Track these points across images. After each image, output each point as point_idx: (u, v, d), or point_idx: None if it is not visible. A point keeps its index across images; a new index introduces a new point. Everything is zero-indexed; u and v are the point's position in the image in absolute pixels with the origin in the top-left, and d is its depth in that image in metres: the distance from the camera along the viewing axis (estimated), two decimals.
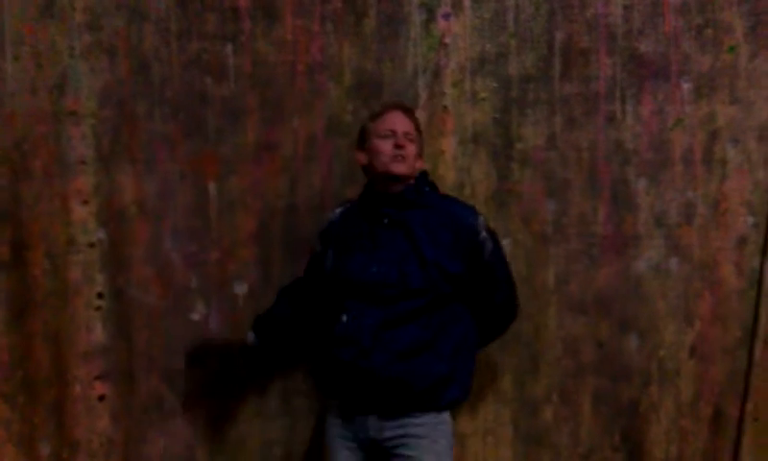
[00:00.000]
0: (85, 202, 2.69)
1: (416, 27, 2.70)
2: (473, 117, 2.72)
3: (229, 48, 2.68)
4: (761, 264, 2.73)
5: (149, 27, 2.66)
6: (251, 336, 2.51)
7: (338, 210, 2.43)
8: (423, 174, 2.37)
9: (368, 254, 2.26)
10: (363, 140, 2.35)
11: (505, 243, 2.69)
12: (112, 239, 2.70)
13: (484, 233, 2.29)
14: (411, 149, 2.30)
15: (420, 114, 2.67)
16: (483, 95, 2.72)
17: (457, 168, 2.72)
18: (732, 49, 2.71)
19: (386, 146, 2.28)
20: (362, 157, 2.35)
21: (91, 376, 2.71)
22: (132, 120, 2.68)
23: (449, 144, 2.71)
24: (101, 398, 2.71)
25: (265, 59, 2.69)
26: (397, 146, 2.27)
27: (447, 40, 2.71)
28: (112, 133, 2.68)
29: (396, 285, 2.20)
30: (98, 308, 2.71)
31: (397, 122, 2.31)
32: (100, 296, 2.70)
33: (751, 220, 2.74)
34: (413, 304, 2.20)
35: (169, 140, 2.69)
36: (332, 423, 2.31)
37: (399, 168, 2.27)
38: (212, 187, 2.70)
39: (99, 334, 2.71)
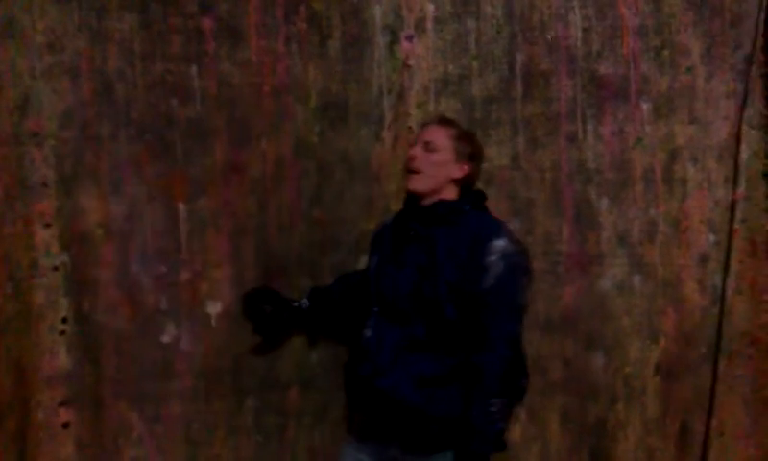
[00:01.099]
0: (48, 224, 2.66)
1: (380, 49, 2.73)
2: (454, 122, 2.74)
3: (194, 69, 2.69)
4: (723, 281, 2.77)
5: (112, 48, 2.66)
6: (305, 302, 2.51)
7: (387, 220, 2.43)
8: (467, 189, 2.26)
9: (391, 265, 2.21)
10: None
11: None
12: (76, 262, 2.67)
13: (494, 257, 2.07)
14: (428, 159, 2.19)
15: (386, 135, 2.69)
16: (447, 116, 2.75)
17: None
18: (689, 70, 2.77)
19: (408, 158, 2.25)
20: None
21: (55, 403, 2.66)
22: (97, 141, 2.67)
23: None
24: (65, 425, 2.66)
25: (230, 80, 2.71)
26: (411, 159, 2.21)
27: (411, 62, 2.74)
28: (75, 155, 2.66)
29: (410, 300, 2.11)
30: (62, 333, 2.67)
31: (427, 133, 2.25)
32: (64, 320, 2.67)
33: (712, 238, 2.79)
34: (430, 325, 2.08)
35: (135, 162, 2.68)
36: (348, 441, 2.24)
37: (412, 185, 2.20)
38: (182, 208, 2.69)
39: (63, 359, 2.67)
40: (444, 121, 2.32)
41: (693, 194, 2.78)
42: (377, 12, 2.71)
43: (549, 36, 2.76)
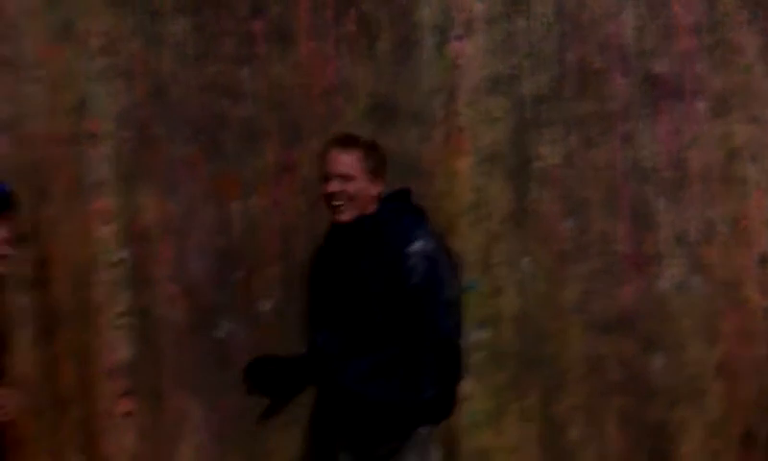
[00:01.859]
0: (107, 222, 2.73)
1: (429, 49, 2.74)
2: (489, 137, 2.73)
3: (246, 71, 2.73)
4: None
5: (166, 51, 2.71)
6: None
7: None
8: (387, 199, 2.22)
9: (325, 278, 2.24)
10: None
11: (524, 262, 2.69)
12: (136, 258, 2.73)
13: (411, 261, 2.10)
14: (346, 192, 2.14)
15: (437, 134, 2.69)
16: (497, 115, 2.73)
17: (473, 187, 2.73)
18: (746, 68, 2.70)
19: (325, 191, 2.15)
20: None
21: (117, 393, 2.73)
22: (152, 142, 2.73)
23: (465, 164, 2.73)
24: (127, 414, 2.74)
25: (281, 81, 2.74)
26: (332, 195, 2.14)
27: (460, 62, 2.73)
28: (132, 155, 2.72)
29: (343, 312, 2.16)
30: (122, 327, 2.74)
31: (335, 164, 2.15)
32: (124, 314, 2.74)
33: None
34: (362, 332, 2.13)
35: (189, 162, 2.73)
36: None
37: (340, 218, 2.16)
38: (234, 207, 2.73)
39: (124, 352, 2.74)
40: (346, 144, 2.19)
41: (753, 194, 2.70)
42: (426, 13, 2.72)
43: (601, 35, 2.71)
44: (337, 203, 2.15)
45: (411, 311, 2.11)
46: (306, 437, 2.29)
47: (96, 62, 2.70)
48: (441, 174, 2.73)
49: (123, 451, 2.73)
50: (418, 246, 2.12)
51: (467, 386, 2.47)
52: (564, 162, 2.73)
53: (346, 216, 2.16)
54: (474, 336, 2.65)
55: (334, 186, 2.15)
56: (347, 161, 2.16)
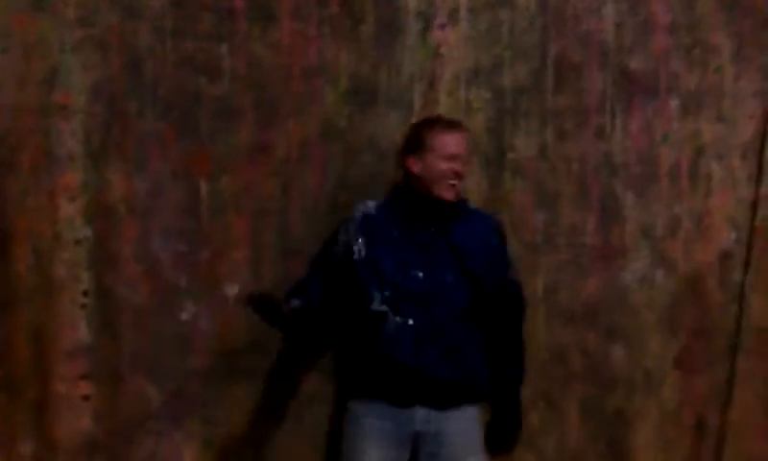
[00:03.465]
0: (73, 198, 2.64)
1: (412, 35, 2.72)
2: (467, 126, 2.75)
3: (224, 49, 2.67)
4: (743, 278, 2.80)
5: (143, 25, 2.63)
6: (295, 301, 2.37)
7: (371, 204, 2.48)
8: None
9: (409, 257, 2.36)
10: (419, 148, 2.40)
11: None
12: (99, 237, 2.65)
13: (507, 245, 2.54)
14: (464, 173, 2.44)
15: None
16: (477, 105, 2.75)
17: None
18: (718, 69, 2.79)
19: (447, 170, 2.37)
20: (416, 166, 2.40)
21: (75, 375, 2.65)
22: (124, 117, 2.65)
23: None
24: (85, 397, 2.66)
25: (260, 60, 2.69)
26: (456, 173, 2.38)
27: (442, 50, 2.73)
28: (103, 130, 2.64)
29: (440, 293, 2.33)
30: (83, 306, 2.66)
31: (461, 146, 2.41)
32: (85, 294, 2.66)
33: (734, 235, 2.81)
34: (453, 311, 2.34)
35: (161, 139, 2.66)
36: (367, 417, 2.36)
37: (451, 195, 2.39)
38: (204, 187, 2.68)
39: (84, 332, 2.66)
40: (463, 128, 2.48)
41: (717, 191, 2.80)
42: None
43: (581, 30, 2.76)
44: (455, 182, 2.38)
45: (511, 283, 2.50)
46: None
47: (71, 33, 2.59)
48: None
49: (79, 435, 2.65)
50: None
51: None
52: (539, 155, 2.77)
53: (452, 195, 2.39)
54: None
55: (461, 168, 2.39)
56: (465, 145, 2.44)
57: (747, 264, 2.80)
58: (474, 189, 2.77)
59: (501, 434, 2.51)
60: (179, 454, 2.72)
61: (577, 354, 2.79)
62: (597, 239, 2.79)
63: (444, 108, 2.73)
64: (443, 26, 2.73)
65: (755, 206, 2.81)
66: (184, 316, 2.69)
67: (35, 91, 2.60)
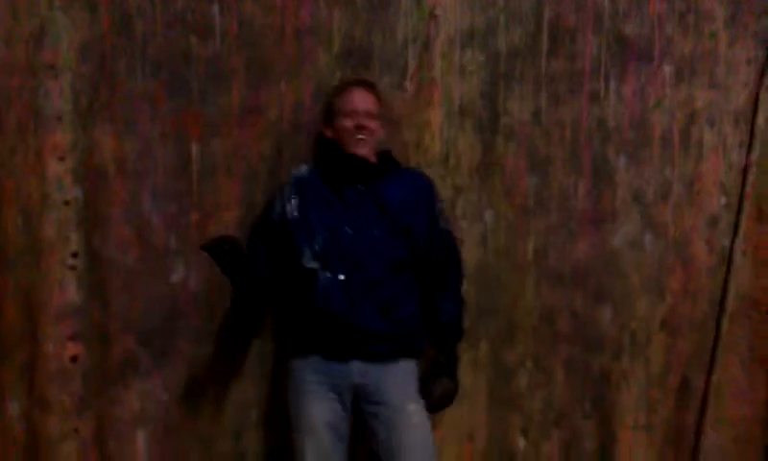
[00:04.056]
0: (62, 158, 2.61)
1: None
2: (461, 90, 2.73)
3: (216, 8, 2.63)
4: (731, 243, 2.83)
5: None
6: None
7: (304, 168, 2.52)
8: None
9: (339, 215, 2.39)
10: (329, 115, 2.48)
11: (487, 215, 2.73)
12: (89, 197, 2.63)
13: (441, 202, 2.55)
14: (372, 127, 2.43)
15: (409, 85, 2.67)
16: (471, 68, 2.73)
17: (443, 140, 2.73)
18: (712, 35, 2.78)
19: (351, 126, 2.41)
20: (328, 132, 2.48)
21: (64, 336, 2.65)
22: (113, 77, 2.61)
23: (436, 116, 2.73)
24: (73, 358, 2.66)
25: (252, 20, 2.65)
26: (358, 127, 2.40)
27: (438, 12, 2.70)
28: (92, 90, 2.60)
29: (371, 248, 2.36)
30: (72, 268, 2.65)
31: (364, 101, 2.44)
32: (74, 255, 2.64)
33: (723, 200, 2.84)
34: (385, 265, 2.37)
35: (151, 99, 2.63)
36: (305, 372, 2.40)
37: (361, 150, 2.42)
38: (195, 149, 2.66)
39: (73, 294, 2.65)
40: (369, 85, 2.51)
41: (708, 157, 2.81)
42: None
43: None
44: (361, 136, 2.40)
45: (440, 239, 2.49)
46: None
47: None
48: (411, 125, 2.73)
49: (68, 396, 2.66)
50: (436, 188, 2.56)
51: None
52: (532, 119, 2.76)
53: (364, 150, 2.41)
54: None
55: (364, 121, 2.40)
56: (371, 100, 2.45)
57: (736, 229, 2.82)
58: (467, 153, 2.76)
59: (435, 387, 2.48)
60: (167, 415, 2.72)
61: (565, 316, 2.81)
62: (588, 203, 2.79)
63: (437, 70, 2.71)
64: None
65: (745, 171, 2.82)
66: (174, 278, 2.67)
67: (22, 50, 2.56)
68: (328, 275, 2.37)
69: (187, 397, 2.73)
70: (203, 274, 2.69)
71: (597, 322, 2.84)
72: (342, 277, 2.36)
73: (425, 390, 2.47)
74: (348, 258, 2.37)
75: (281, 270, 2.47)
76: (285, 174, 2.67)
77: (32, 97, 2.58)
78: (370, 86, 2.50)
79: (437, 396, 2.46)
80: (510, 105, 2.74)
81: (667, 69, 2.78)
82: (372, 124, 2.44)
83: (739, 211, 2.82)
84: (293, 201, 2.45)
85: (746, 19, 2.79)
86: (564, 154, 2.78)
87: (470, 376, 2.80)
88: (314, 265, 2.38)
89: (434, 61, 2.71)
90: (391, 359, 2.39)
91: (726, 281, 2.83)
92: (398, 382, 2.39)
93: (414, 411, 2.38)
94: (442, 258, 2.51)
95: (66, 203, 2.63)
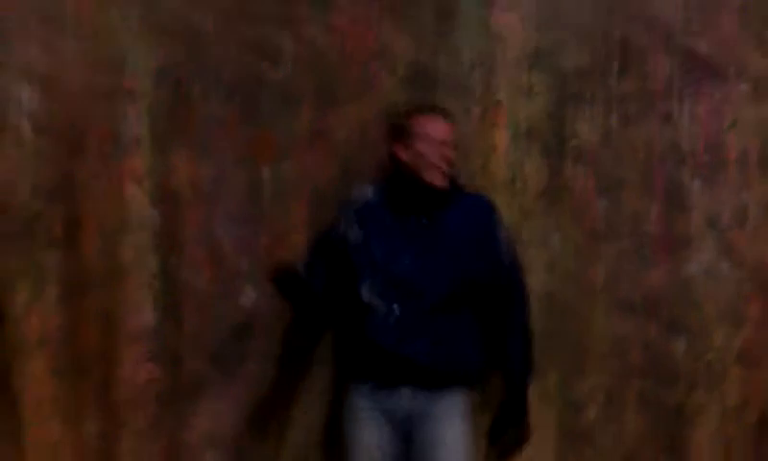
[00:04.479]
0: (139, 182, 2.70)
1: (472, 19, 2.69)
2: (527, 112, 2.71)
3: (286, 34, 2.69)
4: None
5: (208, 10, 2.67)
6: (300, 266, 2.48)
7: (369, 189, 2.50)
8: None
9: (399, 244, 2.38)
10: (405, 136, 2.41)
11: (555, 239, 2.69)
12: (165, 220, 2.70)
13: (504, 231, 2.48)
14: (453, 157, 2.43)
15: (475, 108, 2.67)
16: (538, 89, 2.71)
17: (509, 163, 2.72)
18: None
19: (437, 156, 2.38)
20: (404, 154, 2.41)
21: (140, 358, 2.71)
22: (188, 102, 2.70)
23: (502, 138, 2.71)
24: (149, 380, 2.72)
25: (320, 45, 2.70)
26: (444, 158, 2.38)
27: (503, 34, 2.70)
28: (168, 114, 2.69)
29: (428, 280, 2.34)
30: (149, 289, 2.72)
31: (448, 131, 2.42)
32: (150, 277, 2.71)
33: None
34: (441, 299, 2.34)
35: (224, 123, 2.70)
36: (358, 398, 2.42)
37: (441, 181, 2.39)
38: (266, 172, 2.71)
39: (149, 316, 2.72)
40: (450, 115, 2.48)
41: None
42: None
43: (647, 12, 2.69)
44: (443, 167, 2.37)
45: (506, 272, 2.45)
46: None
47: (138, 19, 2.65)
48: (477, 148, 2.72)
49: (143, 417, 2.71)
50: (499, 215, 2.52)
51: None
52: (602, 140, 2.72)
53: (444, 181, 2.40)
54: None
55: (447, 150, 2.39)
56: (452, 129, 2.44)
57: None
58: (534, 176, 2.73)
59: (504, 428, 2.50)
60: (239, 437, 2.74)
61: (637, 347, 2.73)
62: (661, 228, 2.72)
63: (504, 92, 2.71)
64: (503, 9, 2.70)
65: None
66: (245, 301, 2.71)
67: (102, 76, 2.66)
68: (383, 304, 2.37)
69: (255, 418, 2.74)
70: (273, 296, 2.71)
71: (671, 353, 2.74)
72: (396, 307, 2.36)
73: (494, 435, 2.48)
74: (404, 289, 2.36)
75: (339, 290, 2.48)
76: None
77: (111, 123, 2.68)
78: (449, 115, 2.50)
79: (506, 441, 2.48)
80: (578, 126, 2.70)
81: (742, 88, 2.70)
82: (453, 154, 2.43)
83: None
84: (355, 226, 2.45)
85: None
86: (635, 176, 2.72)
87: (537, 408, 2.73)
88: (370, 293, 2.39)
89: (500, 84, 2.70)
90: (441, 388, 2.39)
91: None
92: (446, 410, 2.39)
93: (455, 440, 2.38)
94: (505, 293, 2.47)
95: (143, 226, 2.71)
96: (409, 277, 2.36)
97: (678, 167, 2.72)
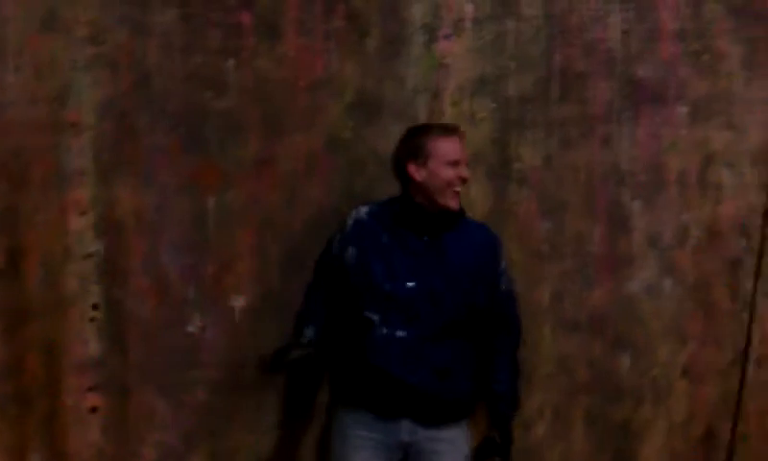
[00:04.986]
0: (83, 213, 2.67)
1: (417, 47, 2.72)
2: (472, 137, 2.74)
3: (231, 63, 2.68)
4: (754, 287, 2.78)
5: (152, 41, 2.65)
6: (309, 332, 2.44)
7: (364, 209, 2.45)
8: None
9: (400, 265, 2.33)
10: (421, 155, 2.35)
11: None
12: (109, 251, 2.68)
13: (504, 263, 2.44)
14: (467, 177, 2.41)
15: None
16: (481, 115, 2.74)
17: None
18: (728, 76, 2.77)
19: (453, 177, 2.34)
20: (419, 175, 2.35)
21: (84, 388, 2.68)
22: (133, 133, 2.67)
23: None
24: (93, 409, 2.69)
25: (266, 75, 2.70)
26: (462, 179, 2.35)
27: (447, 61, 2.73)
28: (112, 146, 2.66)
29: (431, 303, 2.30)
30: (92, 320, 2.69)
31: (463, 151, 2.38)
32: (95, 307, 2.68)
33: (744, 243, 2.78)
34: (444, 323, 2.30)
35: (169, 153, 2.68)
36: (354, 426, 2.36)
37: (456, 203, 2.37)
38: (211, 201, 2.70)
39: (93, 346, 2.68)
40: (463, 135, 2.45)
41: (726, 199, 2.77)
42: (416, 11, 2.70)
43: (587, 38, 2.74)
44: (459, 189, 2.35)
45: (501, 302, 2.42)
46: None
47: (82, 51, 2.61)
48: None
49: (88, 447, 2.68)
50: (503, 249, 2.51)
51: None
52: (544, 164, 2.76)
53: (458, 203, 2.38)
54: None
55: (464, 172, 2.36)
56: (465, 149, 2.40)
57: (757, 273, 2.77)
58: (479, 200, 2.76)
59: (490, 453, 2.45)
60: None
61: (583, 365, 2.77)
62: (603, 248, 2.77)
63: (448, 118, 2.73)
64: (447, 37, 2.73)
65: (765, 213, 2.78)
66: (191, 328, 2.69)
67: (46, 109, 2.62)
68: (385, 330, 2.32)
69: (204, 448, 2.72)
70: (219, 325, 2.70)
71: (616, 370, 2.79)
72: (399, 333, 2.31)
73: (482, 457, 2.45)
74: (406, 312, 2.31)
75: (339, 313, 2.44)
76: (299, 223, 2.69)
77: (55, 154, 2.64)
78: (463, 135, 2.45)
79: None
80: (522, 151, 2.74)
81: (682, 111, 2.76)
82: (467, 173, 2.40)
83: (761, 253, 2.76)
84: (350, 247, 2.41)
85: (762, 58, 2.78)
86: (577, 199, 2.77)
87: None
88: (372, 317, 2.34)
89: (444, 110, 2.73)
90: (441, 423, 2.34)
91: (749, 326, 2.77)
92: (447, 446, 2.35)
93: None
94: (500, 322, 2.44)
95: (87, 256, 2.68)
96: (412, 300, 2.31)
97: (619, 188, 2.77)
